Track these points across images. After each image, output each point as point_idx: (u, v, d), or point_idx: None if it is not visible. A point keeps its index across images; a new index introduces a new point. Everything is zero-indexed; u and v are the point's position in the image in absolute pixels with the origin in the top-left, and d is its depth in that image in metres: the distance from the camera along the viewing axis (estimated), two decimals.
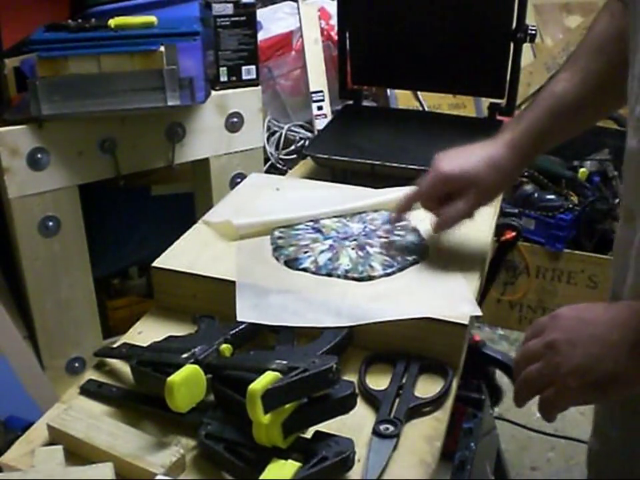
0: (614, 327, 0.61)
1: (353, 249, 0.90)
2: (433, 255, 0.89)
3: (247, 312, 0.78)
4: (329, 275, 0.85)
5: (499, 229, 1.04)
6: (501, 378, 1.08)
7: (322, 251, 0.89)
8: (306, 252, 0.89)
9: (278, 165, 2.02)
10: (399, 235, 0.94)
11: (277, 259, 0.89)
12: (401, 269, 0.86)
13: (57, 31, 1.29)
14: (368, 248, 0.90)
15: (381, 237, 0.93)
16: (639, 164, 0.68)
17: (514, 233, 1.02)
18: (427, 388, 0.73)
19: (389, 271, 0.85)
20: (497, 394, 1.04)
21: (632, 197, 0.72)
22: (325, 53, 2.06)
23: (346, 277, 0.84)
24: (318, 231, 0.95)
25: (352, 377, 0.72)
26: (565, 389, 0.62)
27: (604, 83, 0.80)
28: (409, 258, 0.88)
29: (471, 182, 0.82)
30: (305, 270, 0.86)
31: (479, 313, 0.77)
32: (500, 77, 1.37)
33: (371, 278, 0.84)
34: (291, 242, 0.92)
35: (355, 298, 0.80)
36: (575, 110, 0.81)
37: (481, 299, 1.13)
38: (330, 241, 0.92)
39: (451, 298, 0.80)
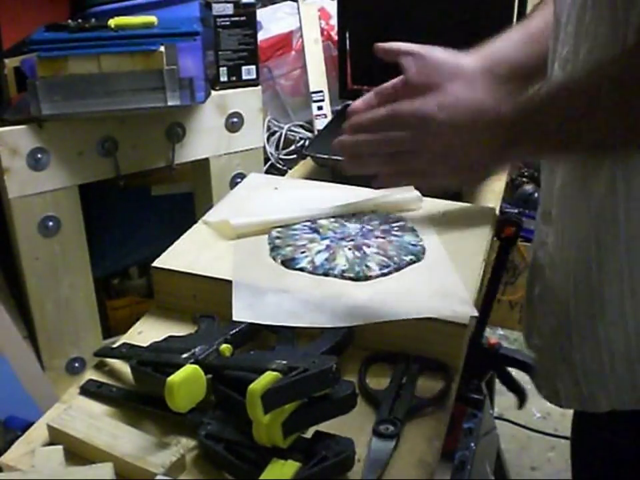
0: (489, 127, 0.71)
1: (349, 249, 0.90)
2: (430, 255, 0.89)
3: (243, 312, 0.78)
4: (326, 274, 0.85)
5: (499, 227, 1.04)
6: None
7: (319, 251, 0.89)
8: (303, 252, 0.89)
9: (278, 165, 2.02)
10: (396, 235, 0.94)
11: (274, 258, 0.89)
12: (397, 269, 0.86)
13: (57, 31, 1.29)
14: (365, 248, 0.90)
15: (378, 237, 0.93)
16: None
17: (513, 228, 1.02)
18: (427, 388, 0.73)
19: (386, 270, 0.85)
20: (521, 395, 1.02)
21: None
22: (325, 53, 2.06)
23: (342, 277, 0.84)
24: (315, 231, 0.95)
25: (352, 377, 0.72)
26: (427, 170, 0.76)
27: None
28: (406, 258, 0.88)
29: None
30: (301, 270, 0.86)
31: (475, 314, 0.78)
32: None
33: (367, 278, 0.84)
34: (288, 242, 0.92)
35: (352, 298, 0.80)
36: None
37: (490, 299, 1.13)
38: (327, 241, 0.92)
39: (449, 298, 0.80)
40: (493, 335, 2.19)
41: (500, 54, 0.82)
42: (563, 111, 0.66)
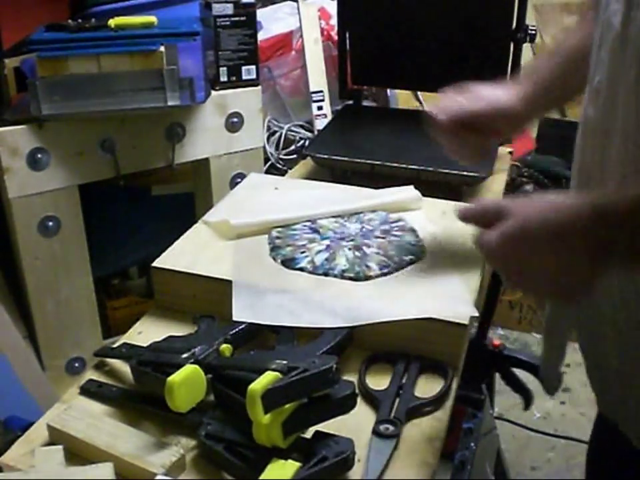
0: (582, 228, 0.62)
1: (349, 249, 0.90)
2: (430, 255, 0.89)
3: (243, 312, 0.78)
4: (326, 274, 0.85)
5: None
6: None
7: (319, 251, 0.89)
8: (303, 252, 0.89)
9: (278, 165, 2.02)
10: (396, 235, 0.94)
11: (274, 258, 0.89)
12: (397, 269, 0.86)
13: (57, 31, 1.29)
14: (365, 248, 0.90)
15: (378, 237, 0.93)
16: (594, 131, 0.71)
17: None
18: (427, 388, 0.73)
19: (386, 270, 0.85)
20: (527, 396, 1.02)
21: (588, 162, 0.73)
22: (324, 53, 2.06)
23: (342, 277, 0.84)
24: (315, 231, 0.95)
25: (352, 377, 0.72)
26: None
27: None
28: (406, 258, 0.88)
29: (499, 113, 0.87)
30: (301, 270, 0.86)
31: (475, 314, 0.78)
32: (500, 77, 1.37)
33: (367, 278, 0.84)
34: (288, 242, 0.92)
35: (352, 298, 0.80)
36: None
37: (493, 300, 1.13)
38: (327, 241, 0.92)
39: (449, 298, 0.80)
40: (493, 334, 2.19)
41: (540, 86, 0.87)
42: None
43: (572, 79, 0.85)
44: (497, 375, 1.14)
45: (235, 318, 0.77)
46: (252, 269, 0.86)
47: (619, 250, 0.59)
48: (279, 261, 0.88)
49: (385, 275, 0.85)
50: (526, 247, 0.63)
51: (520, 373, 1.09)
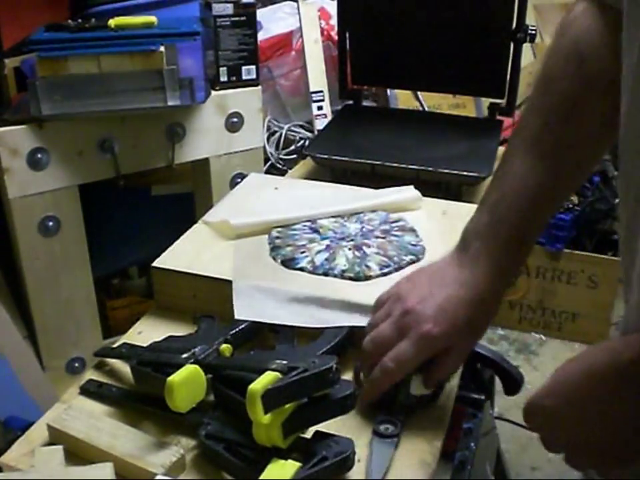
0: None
1: (349, 249, 0.90)
2: (430, 255, 0.89)
3: (244, 310, 0.78)
4: (326, 274, 0.85)
5: None
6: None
7: (319, 251, 0.89)
8: (303, 252, 0.89)
9: (278, 165, 2.02)
10: (396, 235, 0.94)
11: (274, 258, 0.89)
12: (397, 269, 0.86)
13: (57, 31, 1.29)
14: (365, 248, 0.90)
15: (378, 237, 0.93)
16: None
17: None
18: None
19: (386, 270, 0.85)
20: (512, 381, 1.00)
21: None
22: (325, 53, 2.06)
23: (342, 277, 0.84)
24: (315, 231, 0.95)
25: (352, 377, 0.72)
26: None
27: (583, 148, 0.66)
28: (406, 258, 0.88)
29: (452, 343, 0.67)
30: (301, 270, 0.86)
31: None
32: (500, 76, 1.37)
33: (367, 278, 0.84)
34: (288, 242, 0.91)
35: (352, 298, 0.80)
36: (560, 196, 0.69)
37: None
38: (327, 241, 0.92)
39: None
40: (493, 334, 2.19)
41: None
42: None
43: (562, 196, 0.69)
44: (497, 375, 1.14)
45: (236, 316, 0.77)
46: (252, 268, 0.86)
47: None
48: (279, 260, 0.88)
49: (385, 275, 0.85)
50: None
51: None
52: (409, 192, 1.04)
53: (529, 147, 0.67)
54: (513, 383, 0.91)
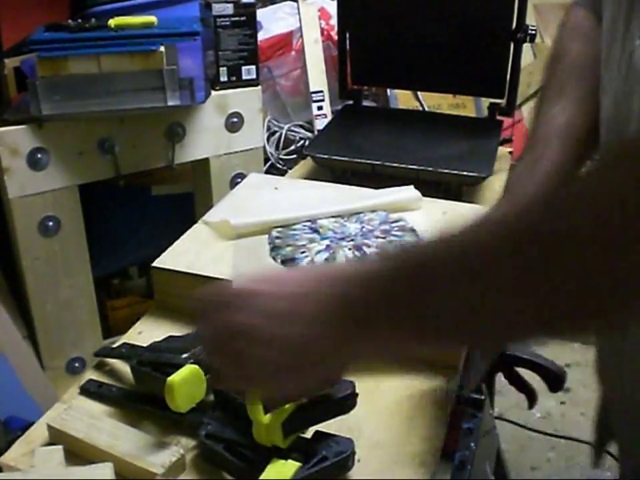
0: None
1: (349, 249, 0.90)
2: None
3: None
4: None
5: None
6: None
7: (319, 251, 0.89)
8: (303, 252, 0.89)
9: (278, 165, 2.02)
10: (396, 235, 0.94)
11: (274, 258, 0.89)
12: None
13: (57, 31, 1.29)
14: (365, 248, 0.90)
15: (378, 238, 0.93)
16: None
17: None
18: (427, 388, 0.73)
19: None
20: (531, 395, 1.00)
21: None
22: (325, 53, 2.06)
23: None
24: (315, 231, 0.95)
25: (352, 377, 0.72)
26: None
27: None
28: None
29: None
30: None
31: None
32: (500, 76, 1.37)
33: None
34: (288, 242, 0.91)
35: None
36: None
37: None
38: (327, 241, 0.92)
39: None
40: None
41: None
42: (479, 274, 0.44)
43: None
44: (497, 375, 1.14)
45: None
46: (252, 269, 0.86)
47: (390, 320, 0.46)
48: (279, 260, 0.88)
49: None
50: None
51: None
52: (408, 192, 1.04)
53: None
54: (555, 379, 0.90)
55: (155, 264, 0.88)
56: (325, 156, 1.25)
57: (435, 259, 0.46)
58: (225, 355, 0.53)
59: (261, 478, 0.59)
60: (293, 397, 0.58)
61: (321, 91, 2.02)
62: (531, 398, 0.97)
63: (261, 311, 0.51)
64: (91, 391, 0.74)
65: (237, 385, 0.58)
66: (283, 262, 0.87)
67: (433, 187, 1.13)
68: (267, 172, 1.84)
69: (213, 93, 1.44)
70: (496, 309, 0.43)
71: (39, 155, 1.29)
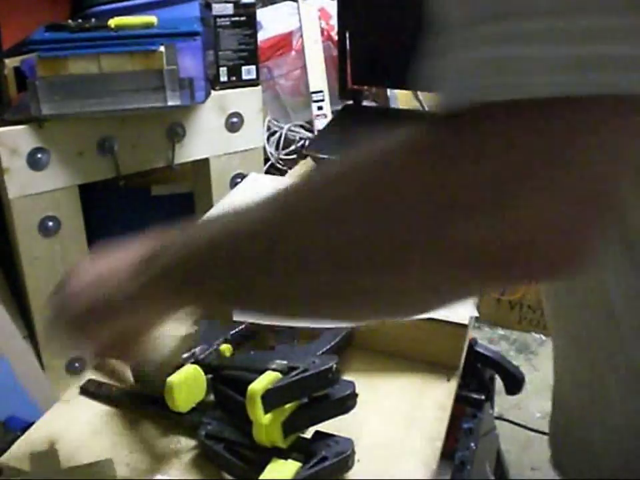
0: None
1: None
2: None
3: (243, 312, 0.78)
4: None
5: None
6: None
7: None
8: None
9: (278, 165, 2.02)
10: None
11: None
12: None
13: (57, 30, 1.29)
14: None
15: None
16: None
17: None
18: (427, 387, 0.73)
19: None
20: (514, 381, 0.99)
21: None
22: (325, 53, 2.06)
23: None
24: None
25: (352, 377, 0.72)
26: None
27: None
28: None
29: None
30: None
31: (475, 314, 0.78)
32: None
33: None
34: None
35: None
36: None
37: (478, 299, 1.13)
38: None
39: None
40: (493, 334, 2.19)
41: None
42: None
43: None
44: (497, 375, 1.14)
45: (235, 317, 0.77)
46: None
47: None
48: None
49: None
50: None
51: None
52: None
53: None
54: (515, 383, 0.91)
55: None
56: (325, 156, 1.25)
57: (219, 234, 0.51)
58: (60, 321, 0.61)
59: (260, 478, 0.59)
60: (107, 349, 0.62)
61: (321, 91, 2.02)
62: (513, 384, 0.96)
63: (83, 279, 0.60)
64: (90, 390, 0.74)
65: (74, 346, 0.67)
66: None
67: None
68: (266, 172, 1.84)
69: (213, 92, 1.44)
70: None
71: (39, 155, 1.29)
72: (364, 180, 0.39)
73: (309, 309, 0.46)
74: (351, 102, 1.54)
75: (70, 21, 1.32)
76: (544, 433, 1.83)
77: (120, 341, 0.59)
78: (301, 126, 2.10)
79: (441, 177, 0.35)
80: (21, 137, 1.26)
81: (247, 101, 1.48)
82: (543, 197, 0.33)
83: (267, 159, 1.95)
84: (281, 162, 2.02)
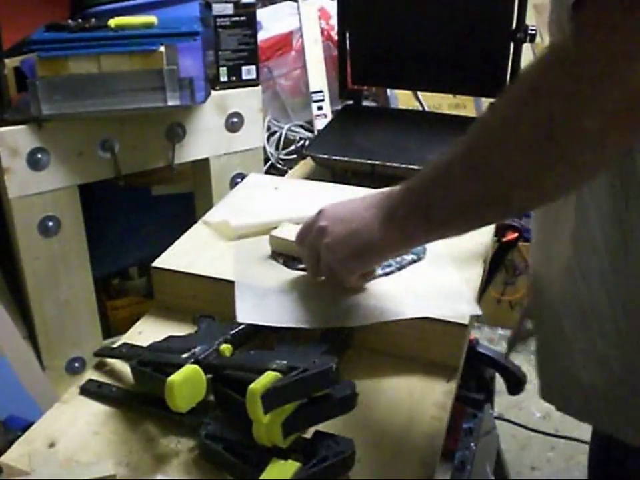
0: (368, 208, 0.72)
1: None
2: (432, 254, 0.89)
3: (247, 313, 0.78)
4: None
5: (500, 230, 1.04)
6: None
7: None
8: None
9: (278, 165, 2.02)
10: None
11: (275, 259, 0.89)
12: (399, 269, 0.86)
13: (57, 31, 1.29)
14: None
15: None
16: None
17: (516, 234, 1.02)
18: (427, 387, 0.73)
19: (388, 270, 0.85)
20: (515, 380, 0.99)
21: None
22: (325, 53, 2.06)
23: None
24: None
25: (352, 377, 0.72)
26: (334, 261, 0.74)
27: None
28: (408, 257, 0.88)
29: None
30: (303, 270, 0.86)
31: (479, 312, 0.77)
32: (500, 76, 1.37)
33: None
34: None
35: (355, 298, 0.80)
36: None
37: (479, 298, 1.13)
38: None
39: (451, 297, 0.80)
40: (493, 334, 2.19)
41: None
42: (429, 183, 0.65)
43: None
44: (497, 375, 1.15)
45: (239, 320, 0.77)
46: (254, 270, 0.86)
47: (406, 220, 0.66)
48: (281, 261, 0.88)
49: (387, 274, 0.85)
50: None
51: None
52: None
53: None
54: (516, 382, 0.91)
55: (154, 264, 0.88)
56: (325, 156, 1.25)
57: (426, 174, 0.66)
58: (309, 249, 0.77)
59: (260, 478, 0.59)
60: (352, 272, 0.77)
61: (321, 91, 2.02)
62: (515, 383, 0.97)
63: (331, 218, 0.75)
64: (90, 390, 0.74)
65: (317, 272, 0.78)
66: (285, 262, 0.87)
67: None
68: (267, 172, 1.84)
69: (213, 92, 1.44)
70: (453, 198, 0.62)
71: (39, 155, 1.29)
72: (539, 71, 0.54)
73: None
74: (350, 102, 1.54)
75: (70, 21, 1.32)
76: (544, 433, 1.85)
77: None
78: (301, 126, 2.10)
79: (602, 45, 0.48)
80: (21, 136, 1.27)
81: (246, 101, 1.48)
82: None
83: (267, 159, 1.96)
84: (280, 162, 2.02)
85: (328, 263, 0.75)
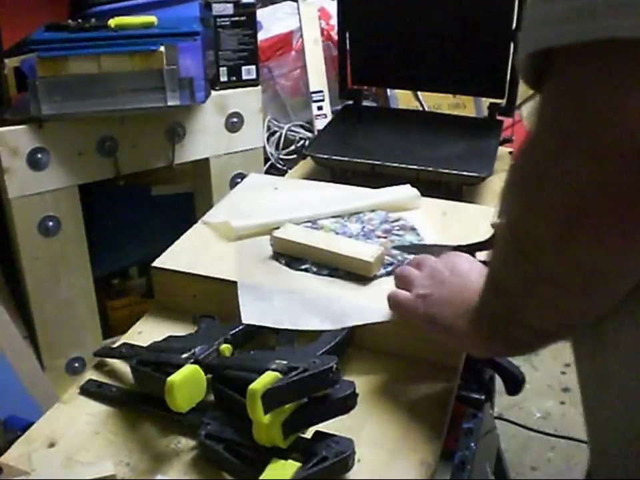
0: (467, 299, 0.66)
1: None
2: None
3: (251, 315, 0.78)
4: (330, 275, 0.85)
5: None
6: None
7: None
8: None
9: (278, 165, 2.02)
10: (397, 235, 0.94)
11: (278, 260, 0.89)
12: None
13: (57, 30, 1.29)
14: None
15: (379, 237, 0.93)
16: None
17: None
18: (427, 388, 0.73)
19: (390, 269, 0.85)
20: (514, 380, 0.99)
21: None
22: (325, 53, 2.06)
23: (347, 278, 0.84)
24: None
25: (352, 377, 0.72)
26: (419, 307, 0.71)
27: None
28: (409, 257, 0.88)
29: None
30: (306, 271, 0.86)
31: None
32: (500, 76, 1.37)
33: (371, 278, 0.84)
34: None
35: (355, 298, 0.80)
36: None
37: None
38: None
39: None
40: None
41: None
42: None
43: None
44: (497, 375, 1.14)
45: (244, 321, 0.77)
46: (256, 270, 0.86)
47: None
48: (283, 262, 0.88)
49: (389, 274, 0.85)
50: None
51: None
52: (407, 191, 1.04)
53: None
54: (515, 383, 0.91)
55: (154, 264, 0.88)
56: (325, 156, 1.25)
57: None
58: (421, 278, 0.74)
59: (260, 478, 0.59)
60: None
61: (321, 91, 2.02)
62: (513, 384, 0.96)
63: (445, 264, 0.74)
64: (90, 390, 0.75)
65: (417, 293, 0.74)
66: (287, 263, 0.87)
67: (433, 187, 1.13)
68: (266, 172, 1.84)
69: (213, 92, 1.44)
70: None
71: (39, 155, 1.29)
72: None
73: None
74: (351, 102, 1.54)
75: (70, 21, 1.32)
76: (544, 433, 1.85)
77: None
78: (301, 126, 2.10)
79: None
80: (21, 136, 1.27)
81: (246, 101, 1.48)
82: None
83: (267, 159, 1.95)
84: (280, 162, 2.02)
85: (412, 300, 0.73)
